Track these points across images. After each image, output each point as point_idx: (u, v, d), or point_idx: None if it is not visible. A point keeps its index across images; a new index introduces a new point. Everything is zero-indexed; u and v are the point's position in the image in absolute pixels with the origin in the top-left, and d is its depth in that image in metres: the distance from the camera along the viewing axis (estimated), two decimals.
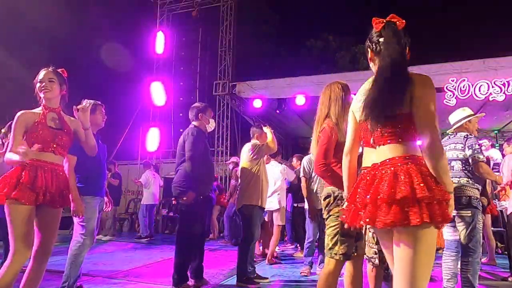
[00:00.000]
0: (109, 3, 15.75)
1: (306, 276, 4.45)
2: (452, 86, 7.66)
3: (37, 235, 2.39)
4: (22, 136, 2.41)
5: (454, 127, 3.55)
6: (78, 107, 2.70)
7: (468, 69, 7.79)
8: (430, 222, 1.44)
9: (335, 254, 2.30)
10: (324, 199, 2.46)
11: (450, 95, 7.61)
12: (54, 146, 2.48)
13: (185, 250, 3.69)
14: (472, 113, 3.58)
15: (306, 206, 4.82)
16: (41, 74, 2.55)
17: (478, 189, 3.35)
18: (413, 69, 1.67)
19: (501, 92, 7.44)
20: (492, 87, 7.48)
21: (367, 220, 1.54)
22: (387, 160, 1.57)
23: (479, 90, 7.54)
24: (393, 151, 1.57)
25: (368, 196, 1.55)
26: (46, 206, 2.40)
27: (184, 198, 3.64)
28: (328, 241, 2.36)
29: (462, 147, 3.36)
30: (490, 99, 7.58)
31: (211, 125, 3.99)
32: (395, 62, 1.60)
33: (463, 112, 3.55)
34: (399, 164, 1.54)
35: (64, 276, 3.17)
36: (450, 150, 3.43)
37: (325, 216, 2.46)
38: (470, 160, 3.29)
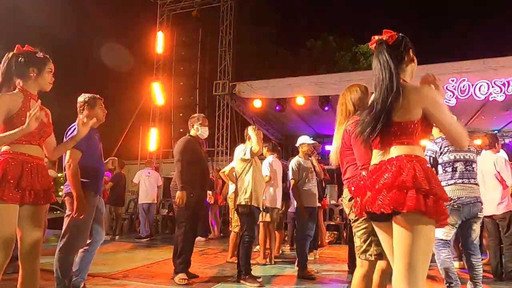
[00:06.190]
0: (110, 3, 15.78)
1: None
2: (452, 86, 7.64)
3: (23, 234, 2.18)
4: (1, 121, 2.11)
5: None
6: (82, 119, 2.49)
7: (468, 69, 7.76)
8: (424, 212, 1.54)
9: (370, 255, 2.26)
10: (350, 199, 2.35)
11: (450, 95, 7.60)
12: (41, 138, 2.27)
13: (184, 243, 4.00)
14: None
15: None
16: (51, 64, 2.34)
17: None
18: None
19: (501, 92, 7.43)
20: (492, 87, 7.46)
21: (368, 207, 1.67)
22: (393, 157, 1.68)
23: (479, 90, 7.53)
24: (400, 151, 1.68)
25: (375, 181, 1.65)
26: (31, 204, 2.18)
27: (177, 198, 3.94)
28: (360, 243, 2.31)
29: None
30: (490, 99, 7.57)
31: (202, 133, 4.25)
32: (381, 89, 1.72)
33: None
34: (404, 161, 1.63)
35: None
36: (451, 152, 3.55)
37: (353, 217, 2.37)
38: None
